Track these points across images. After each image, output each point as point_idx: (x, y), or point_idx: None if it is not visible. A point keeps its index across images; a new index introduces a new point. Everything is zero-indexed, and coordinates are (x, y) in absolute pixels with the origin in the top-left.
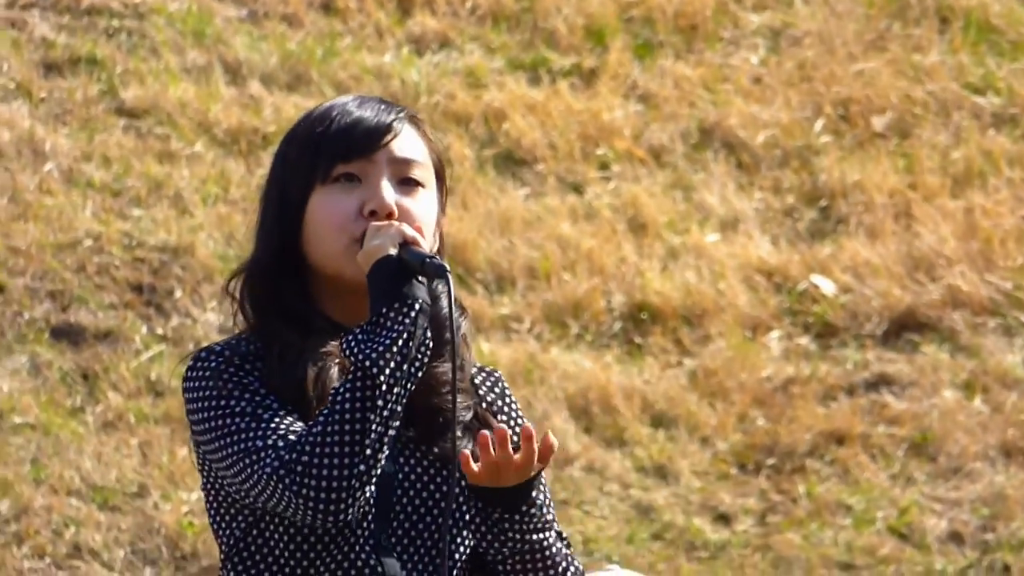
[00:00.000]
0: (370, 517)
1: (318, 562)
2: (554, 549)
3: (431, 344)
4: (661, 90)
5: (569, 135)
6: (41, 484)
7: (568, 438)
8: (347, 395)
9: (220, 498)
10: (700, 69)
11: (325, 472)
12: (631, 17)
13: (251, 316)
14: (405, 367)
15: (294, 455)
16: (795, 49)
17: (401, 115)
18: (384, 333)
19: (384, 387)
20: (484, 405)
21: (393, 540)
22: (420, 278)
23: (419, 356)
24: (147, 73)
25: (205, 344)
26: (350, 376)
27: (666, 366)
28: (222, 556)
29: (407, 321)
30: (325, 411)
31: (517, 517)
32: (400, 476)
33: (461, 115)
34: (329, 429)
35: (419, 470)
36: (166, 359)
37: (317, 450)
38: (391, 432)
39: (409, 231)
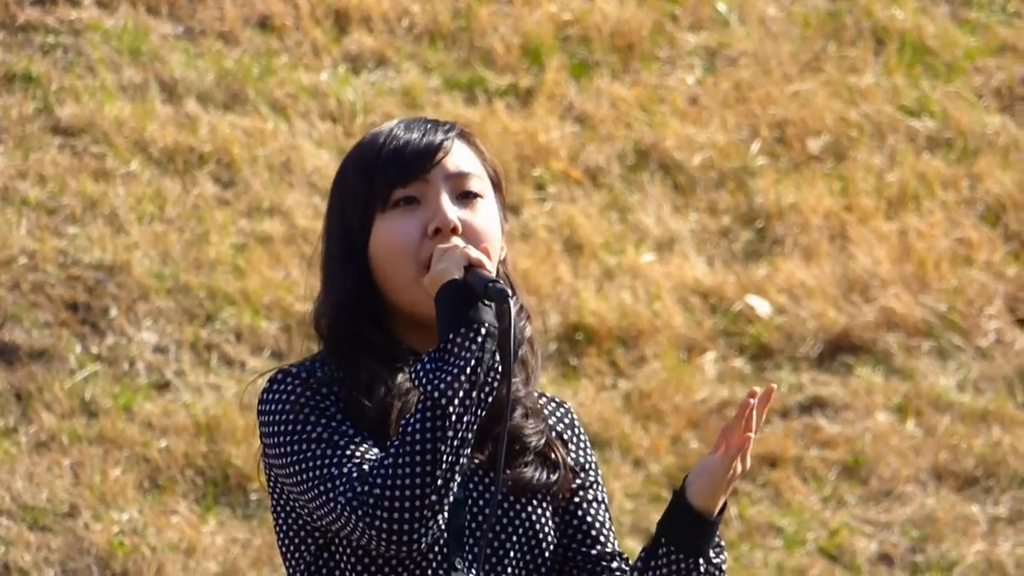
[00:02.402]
0: (442, 542)
1: None
2: None
3: (499, 368)
4: (597, 111)
5: (505, 156)
6: None
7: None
8: (417, 425)
9: (291, 520)
10: (636, 89)
11: (397, 504)
12: (568, 36)
13: (334, 351)
14: (475, 394)
15: (366, 487)
16: (731, 70)
17: (450, 132)
18: (452, 360)
19: (454, 417)
20: (554, 434)
21: (468, 564)
22: (486, 301)
23: (488, 381)
24: (83, 91)
25: (280, 368)
26: (420, 406)
27: (601, 388)
28: None
29: (474, 347)
30: (396, 441)
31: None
32: (470, 502)
33: None
34: (400, 460)
35: (488, 495)
36: (100, 379)
37: (389, 482)
38: (463, 460)
39: (474, 253)
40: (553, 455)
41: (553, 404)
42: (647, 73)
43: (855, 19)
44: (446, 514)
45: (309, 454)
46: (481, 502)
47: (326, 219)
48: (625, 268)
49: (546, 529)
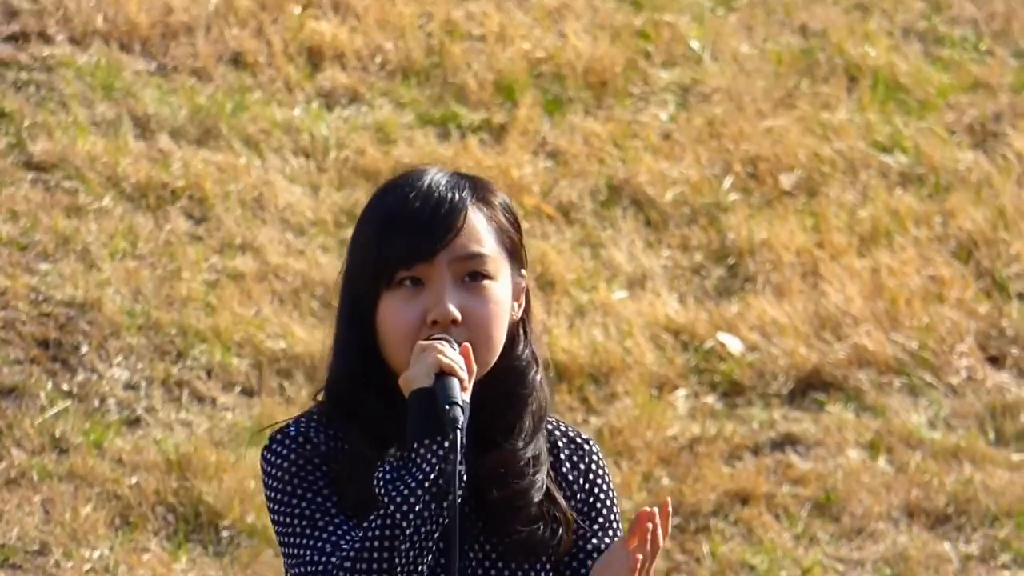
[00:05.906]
0: None
1: None
2: None
3: (465, 476)
4: (570, 146)
5: None
6: None
7: None
8: (376, 531)
9: None
10: (610, 125)
11: None
12: (540, 72)
13: (332, 416)
14: (434, 506)
15: None
16: (704, 106)
17: (463, 203)
18: (413, 471)
19: (410, 529)
20: (563, 485)
21: None
22: (459, 407)
23: (452, 489)
24: (55, 126)
25: (281, 428)
26: (380, 512)
27: (572, 424)
28: None
29: (434, 460)
30: (356, 544)
31: None
32: (468, 571)
33: (371, 171)
34: (358, 567)
35: (487, 563)
36: (71, 415)
37: None
38: (422, 566)
39: (446, 359)
40: (555, 511)
41: (574, 445)
42: (620, 109)
43: (828, 56)
44: None
45: (291, 529)
46: (480, 571)
47: (342, 274)
48: (597, 305)
49: None
